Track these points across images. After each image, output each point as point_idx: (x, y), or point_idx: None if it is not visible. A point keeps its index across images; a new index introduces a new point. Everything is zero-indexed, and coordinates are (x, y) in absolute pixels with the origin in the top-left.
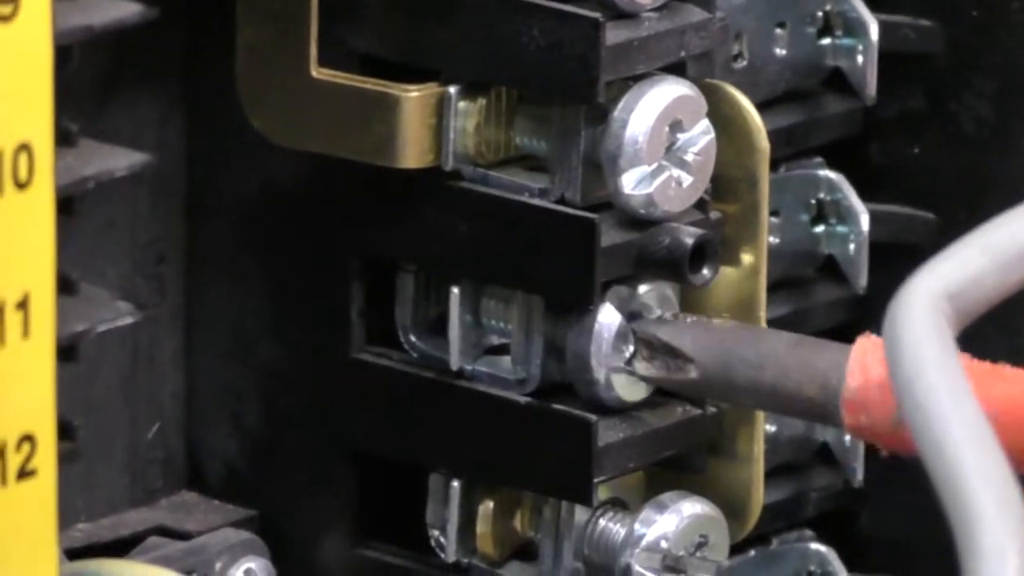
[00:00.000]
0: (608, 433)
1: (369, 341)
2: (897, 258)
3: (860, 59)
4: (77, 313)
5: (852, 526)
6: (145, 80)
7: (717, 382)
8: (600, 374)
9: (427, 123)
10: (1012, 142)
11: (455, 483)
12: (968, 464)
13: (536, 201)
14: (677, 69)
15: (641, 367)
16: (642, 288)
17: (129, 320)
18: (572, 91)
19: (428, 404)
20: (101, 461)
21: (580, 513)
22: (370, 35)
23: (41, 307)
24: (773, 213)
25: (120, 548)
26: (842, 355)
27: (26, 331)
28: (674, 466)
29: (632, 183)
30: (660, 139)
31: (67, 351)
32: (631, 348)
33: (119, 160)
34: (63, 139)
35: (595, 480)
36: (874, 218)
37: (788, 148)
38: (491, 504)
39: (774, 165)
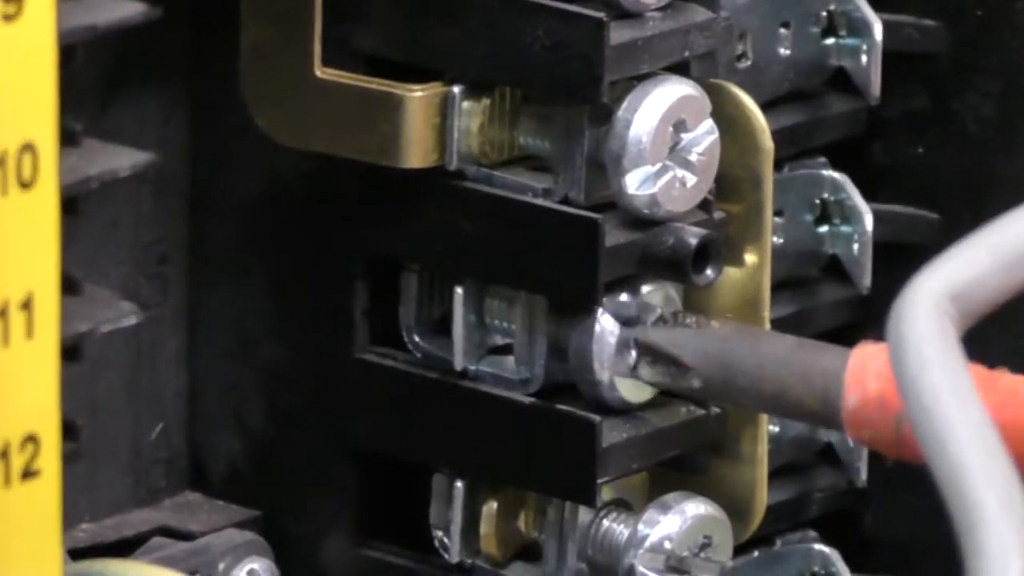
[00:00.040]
0: (612, 434)
1: (373, 341)
2: (901, 258)
3: (864, 59)
4: (81, 313)
5: (856, 527)
6: (149, 80)
7: (717, 392)
8: (603, 375)
9: (431, 123)
10: (1016, 142)
11: (459, 483)
12: (972, 464)
13: (540, 201)
14: (681, 69)
15: (644, 373)
16: (645, 288)
17: (132, 320)
18: (576, 91)
19: (432, 404)
20: (104, 461)
21: (584, 514)
22: (374, 35)
23: (45, 307)
24: (777, 213)
25: (124, 548)
26: (841, 365)
27: (30, 331)
28: (678, 467)
29: (636, 183)
30: (664, 139)
31: (71, 351)
32: (634, 351)
33: (123, 160)
34: (67, 139)
35: (599, 481)
36: (878, 218)
37: (792, 148)
38: (495, 504)
39: (778, 165)
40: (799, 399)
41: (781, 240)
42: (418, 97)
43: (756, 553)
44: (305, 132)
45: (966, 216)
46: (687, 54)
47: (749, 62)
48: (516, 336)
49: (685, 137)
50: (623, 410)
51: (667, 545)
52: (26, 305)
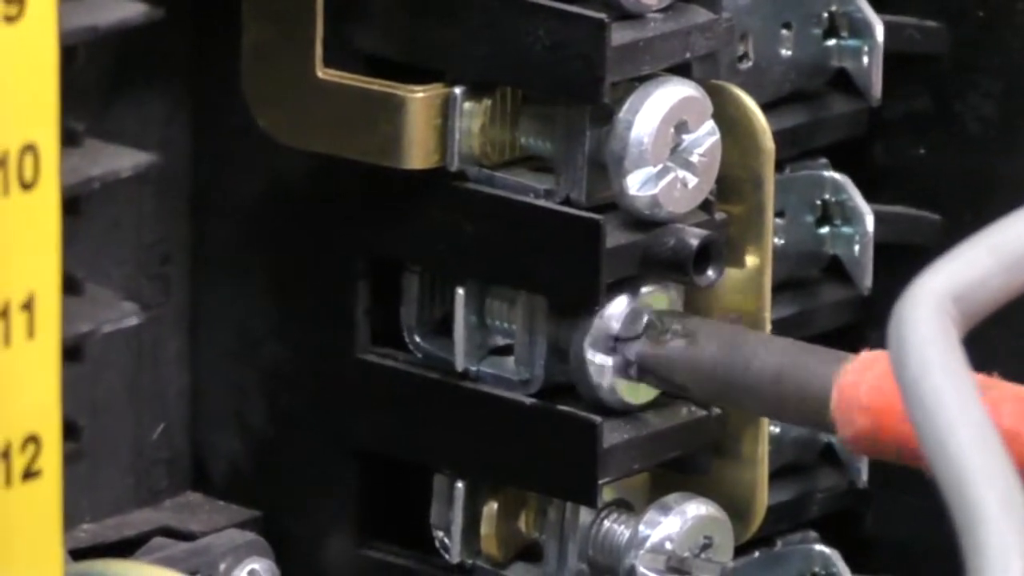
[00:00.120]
0: (613, 434)
1: (374, 342)
2: (902, 259)
3: (865, 60)
4: (82, 313)
5: (856, 527)
6: (150, 80)
7: (712, 401)
8: (604, 375)
9: (432, 124)
10: (1017, 143)
11: (459, 484)
12: (973, 465)
13: (541, 202)
14: (682, 70)
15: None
16: (645, 289)
17: (134, 320)
18: (577, 92)
19: (433, 405)
20: (106, 462)
21: (584, 514)
22: (376, 35)
23: (46, 307)
24: (778, 214)
25: (125, 549)
26: (835, 373)
27: (31, 331)
28: (679, 467)
29: (637, 184)
30: (665, 140)
31: (72, 351)
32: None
33: (124, 160)
34: (68, 139)
35: (600, 481)
36: (879, 219)
37: (793, 149)
38: (495, 505)
39: (779, 166)
40: (795, 411)
41: (782, 241)
42: (419, 98)
43: (757, 554)
44: (306, 133)
45: (967, 217)
46: (688, 55)
47: (750, 63)
48: (516, 337)
49: (686, 138)
50: (624, 411)
51: (668, 546)
52: (27, 305)
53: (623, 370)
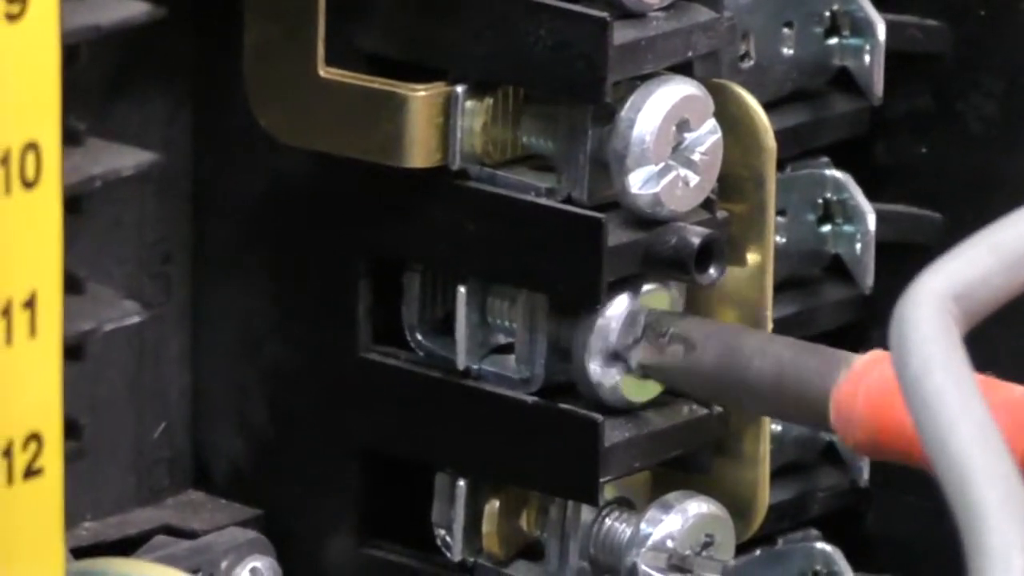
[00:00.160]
0: (614, 433)
1: (376, 340)
2: (904, 258)
3: (867, 59)
4: (84, 312)
5: (858, 526)
6: (152, 79)
7: (713, 401)
8: (606, 373)
9: (434, 122)
10: (1019, 142)
11: (461, 482)
12: (975, 463)
13: (543, 200)
14: (684, 69)
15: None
16: (646, 287)
17: (135, 319)
18: (579, 91)
19: (435, 403)
20: (107, 460)
21: (586, 513)
22: (377, 34)
23: (48, 306)
24: (780, 213)
25: (126, 547)
26: (835, 378)
27: (33, 330)
28: (680, 466)
29: (639, 182)
30: (667, 138)
31: (74, 350)
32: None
33: (126, 159)
34: (70, 138)
35: (601, 480)
36: (880, 218)
37: (795, 148)
38: (497, 503)
39: (781, 165)
40: (795, 411)
41: (784, 240)
42: (421, 97)
43: (758, 552)
44: (308, 132)
45: (969, 216)
46: (690, 54)
47: (752, 62)
48: (517, 335)
49: (688, 137)
50: (625, 409)
51: (669, 544)
52: (29, 304)
53: (624, 369)
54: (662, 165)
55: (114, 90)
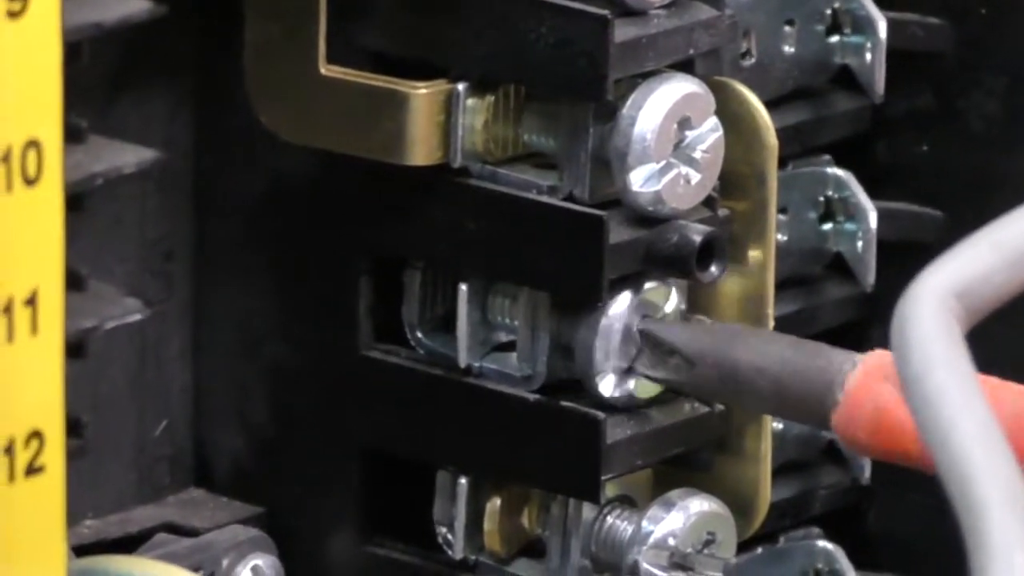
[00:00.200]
0: (616, 430)
1: (377, 338)
2: (905, 256)
3: (868, 57)
4: (85, 309)
5: (859, 524)
6: (154, 77)
7: (715, 390)
8: (608, 371)
9: (435, 120)
10: (1020, 140)
11: (463, 480)
12: (977, 461)
13: (544, 198)
14: (686, 66)
15: (643, 367)
16: (648, 285)
17: (137, 317)
18: (580, 88)
19: (436, 401)
20: (109, 458)
21: (588, 510)
22: (379, 32)
23: (49, 303)
24: (781, 211)
25: (128, 545)
26: (837, 374)
27: (34, 327)
28: (682, 464)
29: (640, 180)
30: (668, 136)
31: (75, 347)
32: (635, 347)
33: (128, 157)
34: (72, 135)
35: (603, 477)
36: (882, 216)
37: (796, 145)
38: (499, 501)
39: (782, 163)
40: (797, 410)
41: (785, 238)
42: (422, 94)
43: (760, 550)
44: (310, 129)
45: (970, 214)
46: (692, 52)
47: (753, 60)
48: (519, 333)
49: (689, 134)
50: (627, 407)
51: (671, 542)
52: (31, 301)
53: (627, 366)
54: (663, 163)
55: (115, 88)
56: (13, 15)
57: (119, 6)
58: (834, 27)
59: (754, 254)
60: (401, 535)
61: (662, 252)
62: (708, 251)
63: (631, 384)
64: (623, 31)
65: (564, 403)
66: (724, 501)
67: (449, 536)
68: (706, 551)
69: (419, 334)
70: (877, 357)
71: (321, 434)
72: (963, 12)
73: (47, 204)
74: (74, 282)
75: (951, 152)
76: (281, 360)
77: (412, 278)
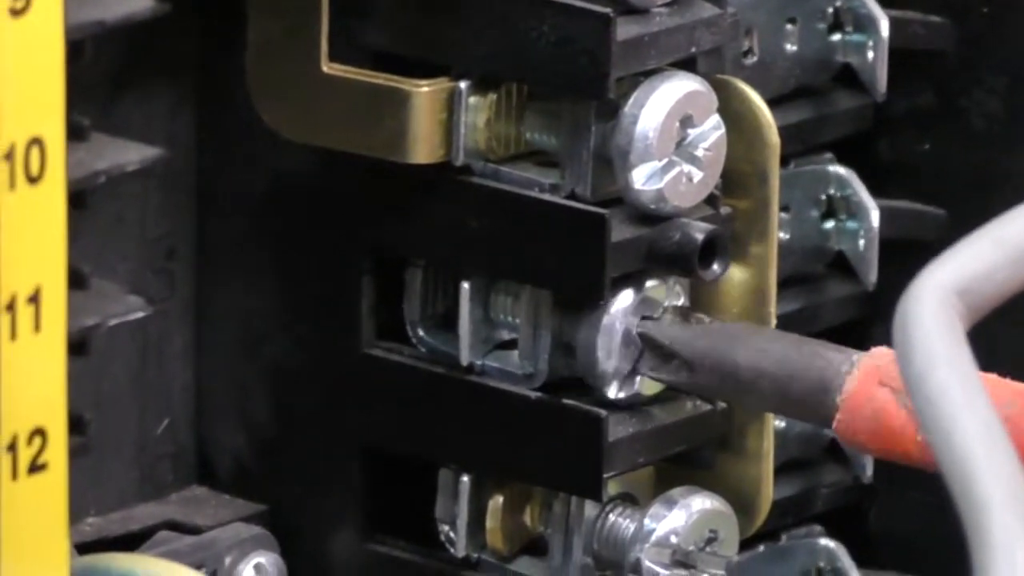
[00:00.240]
0: (618, 428)
1: (379, 337)
2: (907, 254)
3: (870, 55)
4: (88, 307)
5: (861, 522)
6: (156, 75)
7: (715, 388)
8: (609, 368)
9: (438, 118)
10: (1021, 138)
11: (465, 478)
12: (979, 459)
13: (546, 196)
14: (688, 65)
15: (644, 367)
16: (650, 283)
17: (140, 314)
18: (582, 86)
19: (438, 399)
20: (111, 455)
21: (590, 508)
22: (381, 30)
23: (52, 301)
24: (783, 209)
25: (130, 542)
26: (838, 373)
27: (37, 325)
28: (684, 462)
29: (642, 178)
30: (671, 134)
31: (78, 345)
32: (637, 346)
33: (130, 154)
34: (75, 133)
35: (605, 475)
36: (884, 214)
37: (798, 144)
38: (501, 499)
39: (784, 161)
40: (799, 409)
41: (787, 236)
42: (425, 92)
43: (762, 548)
44: (312, 127)
45: (972, 212)
46: (694, 50)
47: (756, 58)
48: (520, 330)
49: (692, 133)
50: (629, 405)
51: (673, 539)
52: (33, 299)
53: (629, 365)
54: (666, 161)
55: (118, 86)
56: (16, 13)
57: (122, 4)
58: (836, 25)
59: (756, 252)
60: (403, 533)
61: (664, 250)
62: (710, 249)
63: (633, 382)
64: (625, 29)
65: (566, 401)
66: (726, 499)
67: (451, 534)
68: (708, 549)
69: (421, 332)
70: (871, 359)
71: (323, 432)
72: (964, 11)
73: (50, 202)
74: (77, 280)
75: (952, 150)
76: (283, 358)
77: (414, 276)
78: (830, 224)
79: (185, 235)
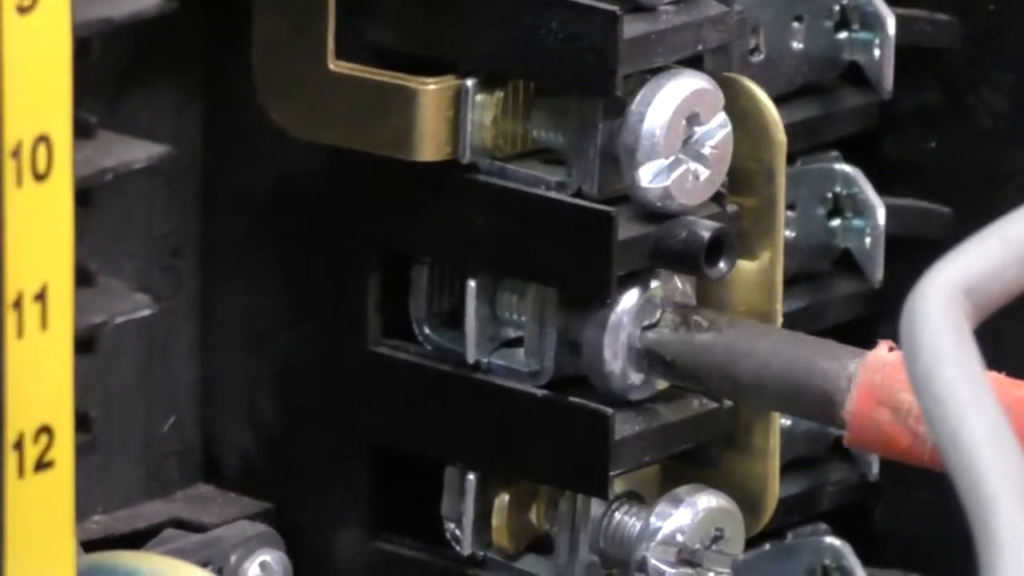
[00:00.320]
0: (624, 426)
1: (385, 334)
2: (913, 252)
3: (877, 53)
4: (95, 305)
5: (867, 520)
6: (163, 72)
7: (720, 392)
8: (616, 367)
9: (444, 116)
10: None
11: (471, 476)
12: (986, 457)
13: (553, 194)
14: (694, 62)
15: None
16: (655, 283)
17: (146, 312)
18: (589, 84)
19: (444, 397)
20: (117, 453)
21: (596, 506)
22: (388, 28)
23: (59, 299)
24: (789, 207)
25: (136, 540)
26: (844, 374)
27: (44, 323)
28: (690, 460)
29: (649, 176)
30: (677, 132)
31: (85, 343)
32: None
33: (137, 152)
34: (82, 131)
35: (611, 473)
36: (890, 212)
37: (805, 142)
38: (507, 497)
39: (790, 159)
40: (806, 409)
41: (793, 234)
42: (431, 90)
43: (768, 546)
44: (318, 125)
45: (978, 210)
46: (700, 48)
47: (762, 56)
48: (526, 328)
49: (698, 130)
50: (635, 403)
51: (679, 538)
52: (40, 296)
53: (635, 361)
54: (672, 159)
55: (125, 83)
56: (23, 10)
57: (129, 2)
58: (842, 23)
59: (763, 250)
60: (409, 531)
61: (671, 248)
62: (717, 247)
63: (640, 379)
64: (632, 27)
65: (572, 399)
66: (732, 497)
67: (457, 532)
68: (714, 547)
69: (427, 330)
70: (868, 373)
71: (329, 430)
72: (971, 8)
73: (57, 199)
74: (84, 277)
75: (959, 148)
76: (289, 356)
77: (420, 274)
78: (836, 222)
79: (191, 233)
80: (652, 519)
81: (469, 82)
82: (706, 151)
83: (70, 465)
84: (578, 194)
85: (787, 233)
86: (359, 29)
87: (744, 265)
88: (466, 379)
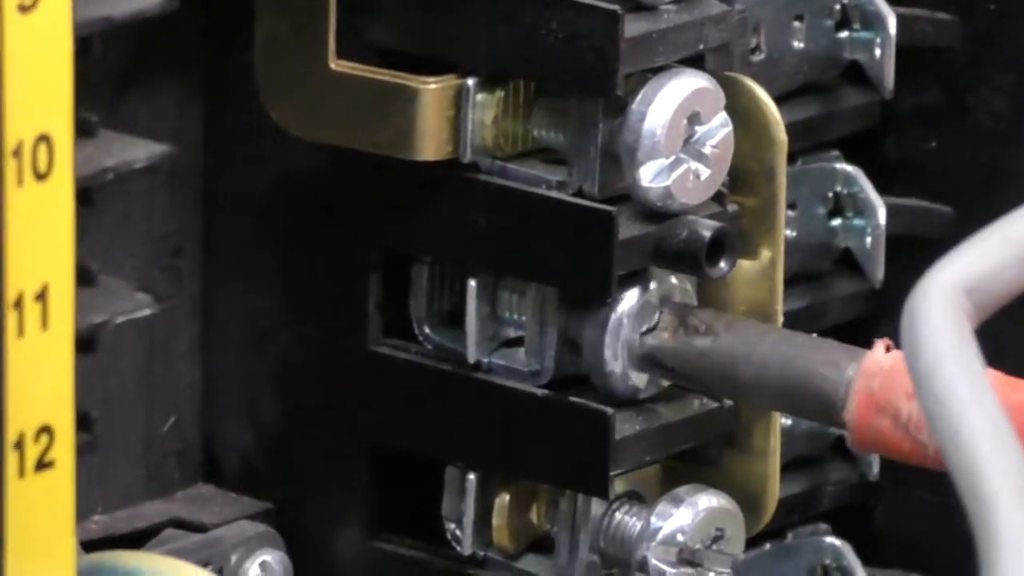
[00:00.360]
0: (625, 426)
1: (386, 334)
2: (914, 251)
3: (878, 52)
4: (95, 304)
5: (867, 520)
6: (164, 72)
7: (721, 392)
8: (616, 366)
9: (445, 115)
10: None
11: (471, 476)
12: (986, 456)
13: (554, 194)
14: (695, 62)
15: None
16: (654, 284)
17: (147, 312)
18: (590, 84)
19: (445, 397)
20: (118, 453)
21: (596, 506)
22: (388, 27)
23: (60, 298)
24: (790, 206)
25: (136, 540)
26: (845, 376)
27: (45, 322)
28: (690, 459)
29: (650, 176)
30: (678, 132)
31: (86, 342)
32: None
33: (138, 151)
34: (83, 130)
35: (612, 473)
36: (891, 211)
37: (805, 141)
38: (507, 497)
39: (791, 158)
40: (807, 409)
41: (794, 233)
42: (432, 89)
43: (768, 546)
44: (319, 125)
45: (979, 210)
46: (701, 47)
47: (763, 55)
48: (527, 328)
49: (699, 130)
50: (636, 402)
51: (680, 538)
52: (41, 296)
53: (636, 362)
54: (673, 158)
55: (126, 82)
56: (24, 9)
57: (130, 1)
58: (843, 22)
59: (763, 250)
60: (409, 531)
61: (671, 248)
62: (717, 247)
63: (640, 379)
64: (633, 26)
65: (572, 398)
66: (732, 497)
67: (457, 532)
68: (714, 547)
69: (427, 329)
70: (866, 380)
71: (329, 429)
72: (971, 8)
73: (58, 198)
74: (84, 277)
75: (960, 148)
76: (290, 355)
77: (420, 273)
78: (837, 221)
79: (192, 232)
80: (653, 519)
81: (470, 81)
82: (707, 150)
83: (70, 465)
84: (579, 193)
85: (788, 232)
86: (360, 28)
87: (745, 264)
88: (466, 379)
